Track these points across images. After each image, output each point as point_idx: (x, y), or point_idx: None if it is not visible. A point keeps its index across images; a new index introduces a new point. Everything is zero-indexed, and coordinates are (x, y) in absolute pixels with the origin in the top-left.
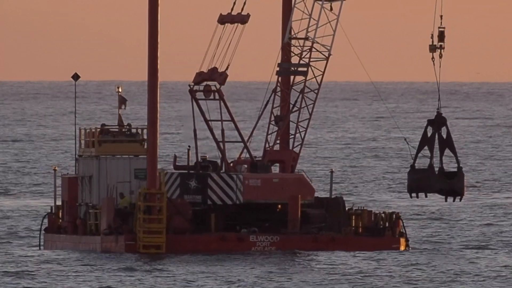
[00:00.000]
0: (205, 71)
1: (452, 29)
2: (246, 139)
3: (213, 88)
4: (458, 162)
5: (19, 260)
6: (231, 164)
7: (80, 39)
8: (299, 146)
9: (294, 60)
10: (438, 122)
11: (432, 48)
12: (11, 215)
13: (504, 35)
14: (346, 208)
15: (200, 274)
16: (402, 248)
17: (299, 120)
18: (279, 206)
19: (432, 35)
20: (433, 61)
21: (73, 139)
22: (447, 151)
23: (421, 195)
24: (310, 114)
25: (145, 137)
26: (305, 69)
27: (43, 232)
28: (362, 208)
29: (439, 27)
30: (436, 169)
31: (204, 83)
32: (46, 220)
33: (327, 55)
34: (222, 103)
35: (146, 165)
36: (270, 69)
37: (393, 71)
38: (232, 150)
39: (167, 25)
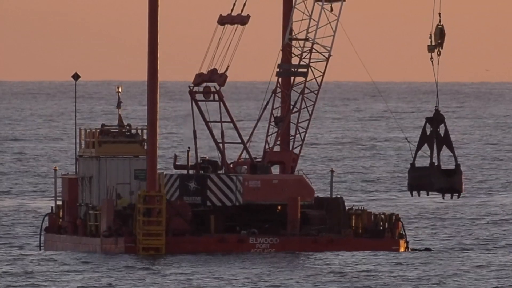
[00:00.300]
0: (205, 72)
1: (452, 30)
2: (246, 140)
3: (212, 89)
4: (456, 159)
5: (19, 260)
6: (231, 165)
7: (80, 39)
8: (299, 147)
9: (294, 61)
10: (436, 119)
11: (431, 49)
12: (11, 215)
13: (505, 35)
14: (346, 208)
15: (199, 275)
16: (401, 249)
17: (299, 121)
18: (279, 207)
19: (430, 35)
20: (432, 62)
21: (73, 139)
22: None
23: (421, 193)
24: (310, 115)
25: (145, 137)
26: (305, 70)
27: (43, 232)
28: (362, 209)
29: (437, 25)
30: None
31: (204, 84)
32: (46, 220)
33: (327, 56)
34: (221, 104)
35: (146, 166)
36: (270, 70)
37: (393, 71)
38: (233, 149)
39: (167, 25)
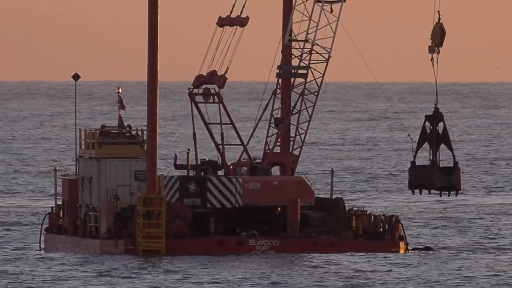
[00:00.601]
0: (204, 74)
1: (452, 30)
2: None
3: (212, 91)
4: (454, 157)
5: (19, 260)
6: (231, 167)
7: (80, 39)
8: (299, 148)
9: (294, 62)
10: (436, 117)
11: (432, 49)
12: (11, 215)
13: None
14: (347, 209)
15: (199, 277)
16: (401, 251)
17: (299, 122)
18: (279, 209)
19: (431, 36)
20: (432, 62)
21: (73, 139)
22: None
23: (422, 191)
24: (310, 117)
25: (145, 138)
26: (305, 71)
27: (43, 232)
28: (362, 209)
29: (437, 23)
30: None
31: (204, 86)
32: (46, 220)
33: (327, 57)
34: (221, 106)
35: (146, 167)
36: (269, 71)
37: (393, 71)
38: (232, 151)
39: (167, 25)
